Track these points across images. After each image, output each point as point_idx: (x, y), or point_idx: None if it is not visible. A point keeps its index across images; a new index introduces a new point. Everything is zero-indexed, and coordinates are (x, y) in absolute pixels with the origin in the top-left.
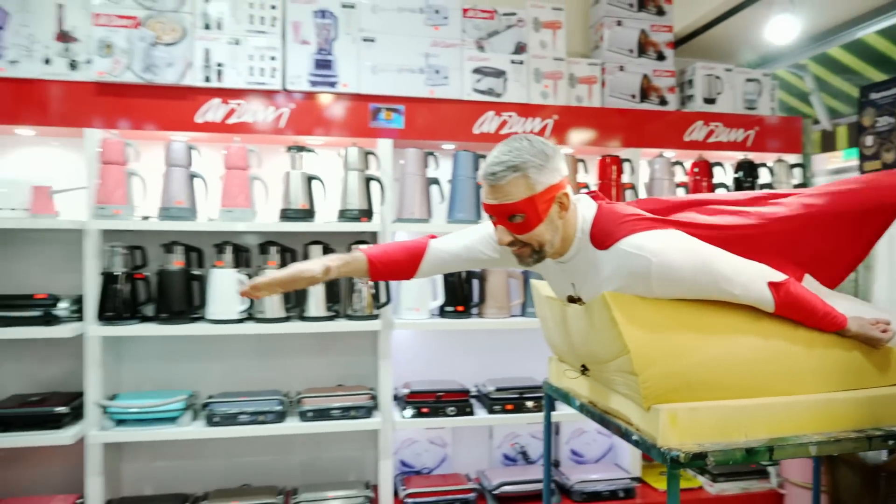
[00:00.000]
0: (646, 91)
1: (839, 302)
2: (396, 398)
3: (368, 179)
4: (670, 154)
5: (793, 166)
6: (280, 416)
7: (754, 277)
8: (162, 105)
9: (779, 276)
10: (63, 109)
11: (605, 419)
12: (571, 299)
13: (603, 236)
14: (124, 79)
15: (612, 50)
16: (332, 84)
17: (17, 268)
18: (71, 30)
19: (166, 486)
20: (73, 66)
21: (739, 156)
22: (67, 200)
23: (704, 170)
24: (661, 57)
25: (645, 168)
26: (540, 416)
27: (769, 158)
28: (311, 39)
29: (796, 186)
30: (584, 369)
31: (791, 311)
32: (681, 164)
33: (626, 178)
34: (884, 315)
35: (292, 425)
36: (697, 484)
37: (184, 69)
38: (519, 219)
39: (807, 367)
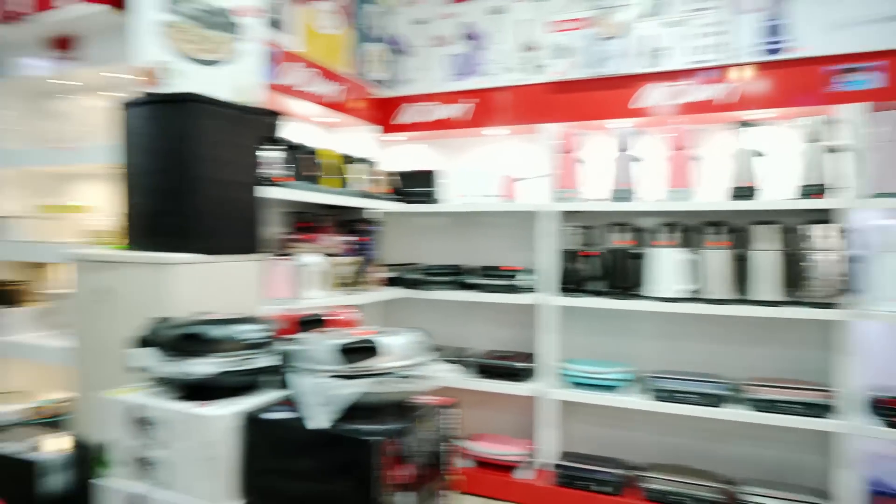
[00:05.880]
0: None
1: None
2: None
3: (831, 150)
4: None
5: None
6: (719, 400)
7: None
8: (604, 96)
9: None
10: (522, 109)
11: None
12: None
13: None
14: (573, 76)
15: None
16: (783, 50)
17: (487, 244)
18: (532, 41)
19: (603, 450)
20: (533, 70)
21: None
22: (520, 187)
23: None
24: None
25: None
26: None
27: None
28: (757, 6)
29: None
30: None
31: None
32: None
33: None
34: None
35: (735, 412)
36: None
37: (625, 58)
38: None
39: None
